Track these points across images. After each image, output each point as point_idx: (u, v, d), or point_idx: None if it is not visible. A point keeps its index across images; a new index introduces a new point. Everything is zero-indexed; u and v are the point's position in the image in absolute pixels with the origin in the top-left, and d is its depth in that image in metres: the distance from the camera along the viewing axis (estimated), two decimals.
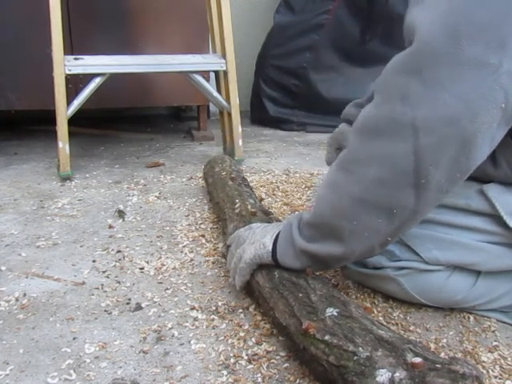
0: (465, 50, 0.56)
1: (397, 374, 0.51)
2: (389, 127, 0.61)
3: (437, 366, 0.51)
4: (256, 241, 0.78)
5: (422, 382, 0.50)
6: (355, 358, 0.55)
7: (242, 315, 0.81)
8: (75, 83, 1.74)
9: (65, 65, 1.43)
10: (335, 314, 0.63)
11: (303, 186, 1.42)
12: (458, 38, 0.56)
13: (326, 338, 0.60)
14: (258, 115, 2.37)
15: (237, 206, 1.00)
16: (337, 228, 0.67)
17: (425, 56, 0.58)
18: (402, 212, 0.63)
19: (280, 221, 0.91)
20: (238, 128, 1.65)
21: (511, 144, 0.72)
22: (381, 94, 0.63)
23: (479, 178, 0.76)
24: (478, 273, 0.78)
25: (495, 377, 0.67)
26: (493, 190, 0.75)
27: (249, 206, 0.98)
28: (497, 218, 0.75)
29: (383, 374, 0.52)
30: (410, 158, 0.60)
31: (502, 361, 0.71)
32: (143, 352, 0.71)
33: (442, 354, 0.71)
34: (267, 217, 0.94)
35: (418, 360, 0.52)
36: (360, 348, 0.56)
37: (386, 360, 0.53)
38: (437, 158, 0.59)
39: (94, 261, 0.99)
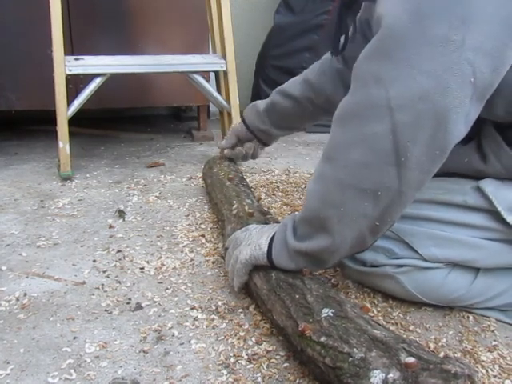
0: (428, 28, 0.59)
1: (390, 375, 0.52)
2: (365, 110, 0.64)
3: (430, 365, 0.51)
4: (252, 242, 0.79)
5: (415, 382, 0.50)
6: (350, 359, 0.56)
7: (241, 315, 0.81)
8: (75, 83, 1.74)
9: (65, 65, 1.43)
10: (331, 314, 0.63)
11: (303, 186, 1.42)
12: (420, 17, 0.59)
13: (322, 339, 0.60)
14: None
15: (234, 207, 1.00)
16: (325, 218, 0.68)
17: (391, 38, 0.61)
18: (387, 193, 0.64)
19: (278, 221, 0.91)
20: None
21: (496, 136, 0.73)
22: (355, 81, 0.66)
23: (472, 175, 0.76)
24: (477, 270, 0.79)
25: (494, 376, 0.68)
26: (489, 186, 0.75)
27: (246, 207, 0.98)
28: (494, 214, 0.75)
29: (377, 375, 0.52)
30: (388, 137, 0.62)
31: (502, 360, 0.71)
32: (143, 351, 0.72)
33: (442, 354, 0.72)
34: (264, 217, 0.94)
35: (411, 360, 0.52)
36: (355, 349, 0.56)
37: (380, 361, 0.54)
38: (414, 134, 0.61)
39: (94, 260, 0.99)
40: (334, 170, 0.68)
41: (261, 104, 1.28)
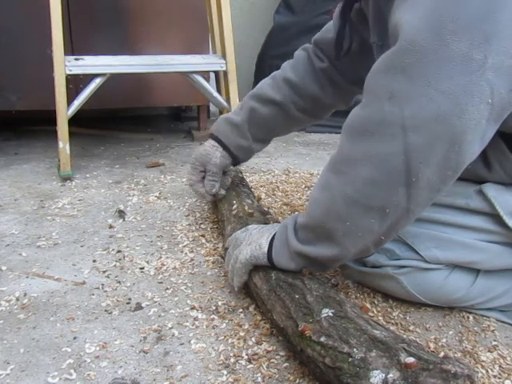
0: (449, 46, 0.56)
1: (390, 375, 0.52)
2: (378, 127, 0.61)
3: (429, 365, 0.51)
4: (252, 242, 0.78)
5: (415, 382, 0.50)
6: (350, 359, 0.56)
7: (241, 315, 0.81)
8: (75, 83, 1.74)
9: (65, 65, 1.43)
10: (330, 314, 0.63)
11: (303, 186, 1.42)
12: (442, 34, 0.56)
13: (322, 339, 0.60)
14: None
15: (234, 207, 1.00)
16: (330, 229, 0.67)
17: (410, 53, 0.58)
18: (395, 211, 0.63)
19: (278, 221, 0.91)
20: None
21: (503, 147, 0.73)
22: (368, 94, 0.63)
23: (475, 180, 0.76)
24: (478, 271, 0.79)
25: (494, 376, 0.68)
26: (492, 190, 0.75)
27: (246, 207, 0.98)
28: (496, 218, 0.75)
29: (377, 376, 0.52)
30: (400, 157, 0.60)
31: (502, 360, 0.71)
32: (143, 352, 0.72)
33: (442, 354, 0.72)
34: (264, 217, 0.94)
35: (410, 360, 0.52)
36: (355, 349, 0.56)
37: (379, 361, 0.54)
38: (427, 155, 0.59)
39: (94, 261, 0.99)
40: (342, 183, 0.66)
41: (234, 116, 1.08)
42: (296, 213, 0.78)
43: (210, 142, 1.09)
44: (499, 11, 0.56)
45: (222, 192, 1.09)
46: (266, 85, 1.07)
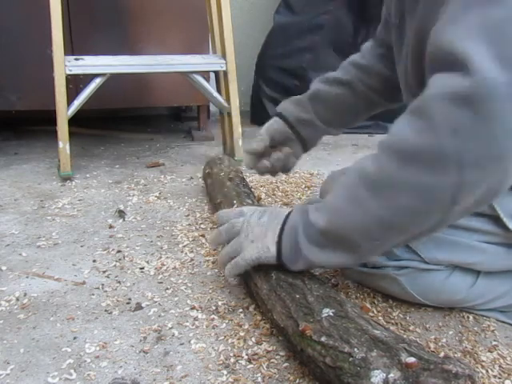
0: None
1: (391, 375, 0.52)
2: (432, 158, 0.58)
3: (430, 365, 0.51)
4: (256, 239, 0.76)
5: (416, 381, 0.50)
6: (350, 359, 0.56)
7: (241, 315, 0.81)
8: (75, 83, 1.74)
9: (65, 65, 1.43)
10: (331, 314, 0.63)
11: (303, 186, 1.42)
12: (509, 67, 0.53)
13: (323, 339, 0.60)
14: (258, 115, 2.37)
15: (234, 207, 1.00)
16: (355, 242, 0.66)
17: (481, 91, 0.54)
18: (427, 233, 0.64)
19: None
20: (238, 128, 1.65)
21: None
22: (423, 119, 0.58)
23: None
24: (478, 272, 0.79)
25: (494, 376, 0.68)
26: None
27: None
28: (496, 219, 0.75)
29: (378, 375, 0.52)
30: (449, 190, 0.58)
31: (502, 360, 0.71)
32: (143, 352, 0.72)
33: (442, 354, 0.72)
34: None
35: (411, 360, 0.52)
36: (355, 349, 0.56)
37: (380, 360, 0.54)
38: (475, 190, 0.58)
39: (94, 261, 0.99)
40: (378, 207, 0.62)
41: (300, 96, 1.05)
42: (300, 206, 0.74)
43: (275, 120, 1.07)
44: None
45: (266, 163, 1.06)
46: (329, 73, 1.05)
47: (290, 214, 0.75)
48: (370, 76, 1.00)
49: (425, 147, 0.58)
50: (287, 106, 1.06)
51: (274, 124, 1.06)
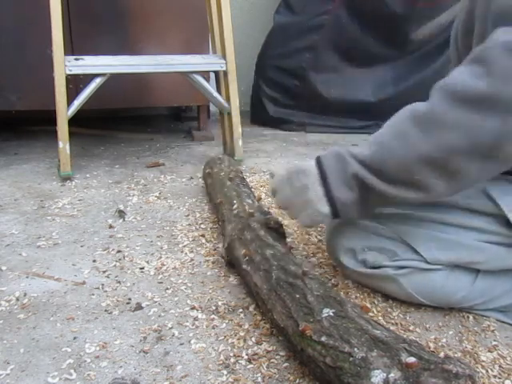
0: None
1: (391, 375, 0.52)
2: (484, 102, 0.61)
3: (431, 365, 0.51)
4: (302, 208, 0.75)
5: (416, 381, 0.50)
6: (351, 359, 0.56)
7: (242, 315, 0.81)
8: (75, 83, 1.74)
9: (65, 65, 1.43)
10: (331, 314, 0.63)
11: None
12: None
13: (323, 339, 0.60)
14: (258, 115, 2.38)
15: (234, 207, 1.00)
16: (400, 174, 0.68)
17: None
18: (464, 177, 0.65)
19: (278, 221, 0.91)
20: (237, 128, 1.65)
21: None
22: (482, 66, 0.62)
23: None
24: (478, 272, 0.79)
25: (494, 376, 0.68)
26: (496, 190, 0.75)
27: (246, 207, 0.98)
28: (497, 218, 0.75)
29: (378, 375, 0.52)
30: (493, 134, 0.61)
31: (502, 360, 0.71)
32: (143, 352, 0.72)
33: (442, 354, 0.72)
34: (265, 217, 0.94)
35: (412, 360, 0.52)
36: (355, 349, 0.56)
37: (380, 360, 0.54)
38: None
39: (94, 261, 0.99)
40: (424, 142, 0.65)
41: None
42: (327, 152, 0.76)
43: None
44: None
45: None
46: None
47: (319, 163, 0.75)
48: None
49: (479, 90, 0.61)
50: None
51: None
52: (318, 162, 0.75)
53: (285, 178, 0.80)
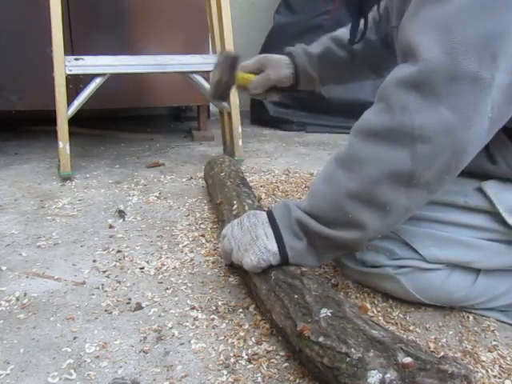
0: (461, 66, 0.61)
1: (388, 375, 0.52)
2: (388, 133, 0.66)
3: (427, 365, 0.51)
4: (249, 246, 0.76)
5: (412, 382, 0.50)
6: (348, 359, 0.56)
7: (241, 315, 0.81)
8: (75, 83, 1.74)
9: (65, 65, 1.43)
10: (329, 314, 0.63)
11: (303, 186, 1.42)
12: (455, 55, 0.61)
13: (320, 339, 0.60)
14: (257, 115, 2.38)
15: (234, 207, 1.00)
16: (335, 218, 0.71)
17: (425, 75, 0.63)
18: (396, 209, 0.68)
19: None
20: (237, 128, 1.65)
21: (505, 140, 0.74)
22: (382, 102, 0.68)
23: (478, 173, 0.76)
24: (478, 272, 0.79)
25: (494, 376, 0.67)
26: (491, 188, 0.76)
27: (246, 207, 0.98)
28: (495, 216, 0.75)
29: (374, 376, 0.53)
30: (406, 163, 0.65)
31: (502, 360, 0.71)
32: (143, 352, 0.72)
33: (442, 354, 0.72)
34: None
35: (408, 360, 0.52)
36: (352, 349, 0.56)
37: (377, 361, 0.54)
38: (430, 163, 0.65)
39: (94, 261, 0.99)
40: (347, 180, 0.69)
41: (311, 48, 1.11)
42: (275, 205, 0.80)
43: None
44: (507, 31, 0.60)
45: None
46: (342, 29, 1.09)
47: (269, 210, 0.80)
48: (373, 54, 1.06)
49: (382, 125, 0.67)
50: (300, 54, 1.12)
51: (280, 59, 1.12)
52: (268, 209, 0.81)
53: (235, 221, 0.83)
